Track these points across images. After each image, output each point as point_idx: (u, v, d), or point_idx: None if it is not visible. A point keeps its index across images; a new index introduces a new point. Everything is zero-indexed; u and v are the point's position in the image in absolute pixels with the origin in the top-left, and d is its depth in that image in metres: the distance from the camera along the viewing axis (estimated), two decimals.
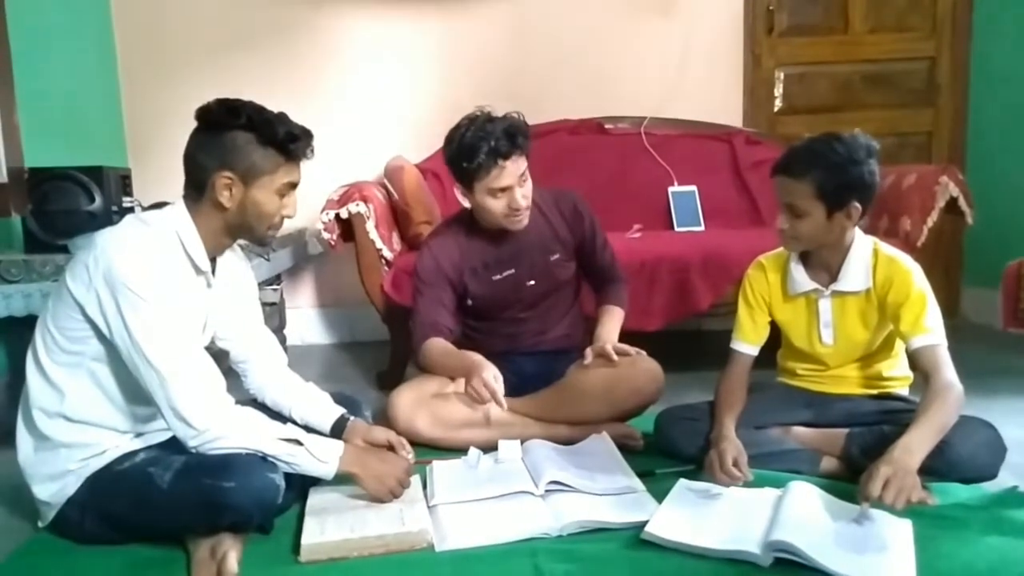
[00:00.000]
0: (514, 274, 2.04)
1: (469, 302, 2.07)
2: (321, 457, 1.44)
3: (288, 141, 1.43)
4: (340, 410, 1.69)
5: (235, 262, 1.63)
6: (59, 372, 1.41)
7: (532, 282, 2.05)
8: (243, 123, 1.40)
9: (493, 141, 1.84)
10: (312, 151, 1.49)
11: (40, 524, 1.50)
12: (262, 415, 1.47)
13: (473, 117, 1.91)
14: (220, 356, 1.58)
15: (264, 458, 1.39)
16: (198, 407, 1.36)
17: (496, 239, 2.04)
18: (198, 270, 1.47)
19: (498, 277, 2.04)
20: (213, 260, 1.52)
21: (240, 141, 1.41)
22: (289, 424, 1.53)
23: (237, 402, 1.45)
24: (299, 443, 1.43)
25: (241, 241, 1.59)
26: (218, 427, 1.36)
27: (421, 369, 2.04)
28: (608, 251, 2.14)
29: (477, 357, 1.88)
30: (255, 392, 1.69)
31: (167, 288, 1.37)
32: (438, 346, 1.97)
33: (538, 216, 2.05)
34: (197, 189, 1.44)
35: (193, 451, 1.38)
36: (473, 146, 1.85)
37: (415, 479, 1.64)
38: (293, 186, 1.49)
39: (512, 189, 1.89)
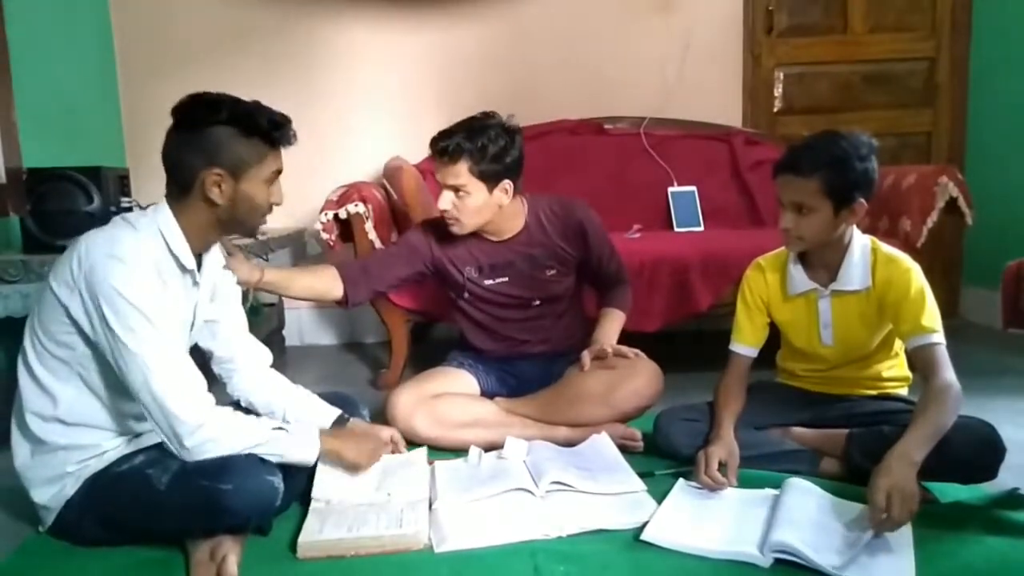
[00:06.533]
0: (507, 283, 2.03)
1: (466, 295, 2.06)
2: (302, 444, 1.47)
3: (272, 129, 1.42)
4: (336, 411, 1.69)
5: (218, 259, 1.61)
6: (50, 377, 1.40)
7: (537, 302, 2.04)
8: (223, 118, 1.38)
9: (448, 138, 1.88)
10: (295, 136, 1.47)
11: (40, 529, 1.49)
12: (240, 414, 1.44)
13: (487, 114, 1.92)
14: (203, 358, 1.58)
15: (262, 460, 1.38)
16: (188, 404, 1.33)
17: (493, 244, 2.03)
18: (184, 269, 1.46)
19: (491, 283, 2.04)
20: (199, 257, 1.50)
21: (224, 136, 1.38)
22: (263, 418, 1.52)
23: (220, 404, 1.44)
24: (282, 430, 1.45)
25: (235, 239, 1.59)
26: (210, 425, 1.34)
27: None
28: (615, 260, 2.13)
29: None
30: (239, 395, 1.67)
31: (153, 292, 1.35)
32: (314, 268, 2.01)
33: (538, 230, 2.03)
34: (182, 188, 1.42)
35: (186, 457, 1.35)
36: (442, 132, 1.90)
37: (422, 479, 1.64)
38: (279, 173, 1.48)
39: (443, 189, 1.92)
